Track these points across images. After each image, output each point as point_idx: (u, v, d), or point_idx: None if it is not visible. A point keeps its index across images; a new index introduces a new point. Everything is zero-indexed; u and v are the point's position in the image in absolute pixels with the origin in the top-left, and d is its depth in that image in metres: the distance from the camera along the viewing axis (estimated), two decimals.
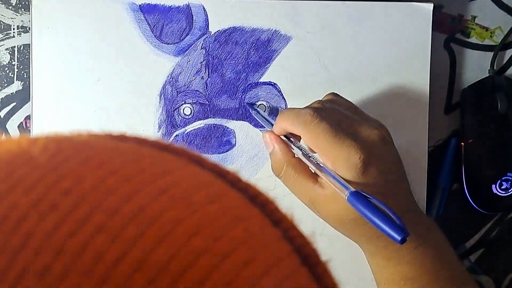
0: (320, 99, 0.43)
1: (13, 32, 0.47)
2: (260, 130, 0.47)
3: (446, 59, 0.51)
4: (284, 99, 0.47)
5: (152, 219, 0.16)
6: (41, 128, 0.45)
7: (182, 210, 0.17)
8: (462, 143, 0.50)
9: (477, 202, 0.50)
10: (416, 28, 0.48)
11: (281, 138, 0.42)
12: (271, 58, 0.47)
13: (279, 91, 0.47)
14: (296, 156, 0.42)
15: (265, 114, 0.46)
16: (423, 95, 0.48)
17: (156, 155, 0.19)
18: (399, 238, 0.33)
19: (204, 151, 0.47)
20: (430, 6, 0.48)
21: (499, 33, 0.51)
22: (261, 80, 0.47)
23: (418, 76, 0.48)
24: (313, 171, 0.41)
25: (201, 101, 0.47)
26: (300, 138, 0.41)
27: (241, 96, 0.47)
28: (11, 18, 0.47)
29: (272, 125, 0.43)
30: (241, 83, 0.47)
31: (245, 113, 0.47)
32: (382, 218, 0.34)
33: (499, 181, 0.49)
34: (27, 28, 0.47)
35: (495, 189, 0.49)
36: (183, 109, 0.47)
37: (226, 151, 0.47)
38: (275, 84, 0.47)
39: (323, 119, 0.39)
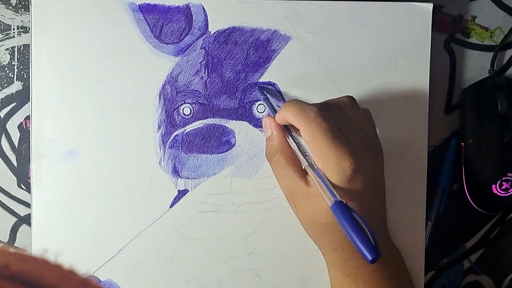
0: (334, 98, 0.43)
1: (13, 32, 0.47)
2: (260, 130, 0.47)
3: (446, 59, 0.51)
4: (284, 99, 0.47)
5: None
6: (41, 128, 0.46)
7: None
8: (462, 143, 0.50)
9: (477, 202, 0.50)
10: (416, 28, 0.48)
11: (281, 126, 0.43)
12: (270, 58, 0.47)
13: (279, 91, 0.47)
14: (291, 146, 0.42)
15: (273, 100, 0.46)
16: (423, 95, 0.48)
17: None
18: (370, 258, 0.33)
19: (204, 151, 0.47)
20: (430, 6, 0.48)
21: (499, 33, 0.51)
22: (261, 80, 0.47)
23: (418, 76, 0.48)
24: (303, 167, 0.41)
25: (200, 101, 0.47)
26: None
27: (241, 96, 0.47)
28: (11, 18, 0.47)
29: (276, 112, 0.43)
30: (240, 83, 0.47)
31: (244, 113, 0.47)
32: (359, 234, 0.34)
33: (499, 181, 0.49)
34: (27, 28, 0.47)
35: (495, 189, 0.49)
36: (183, 109, 0.47)
37: (226, 151, 0.47)
38: (274, 84, 0.47)
39: (325, 120, 0.39)
